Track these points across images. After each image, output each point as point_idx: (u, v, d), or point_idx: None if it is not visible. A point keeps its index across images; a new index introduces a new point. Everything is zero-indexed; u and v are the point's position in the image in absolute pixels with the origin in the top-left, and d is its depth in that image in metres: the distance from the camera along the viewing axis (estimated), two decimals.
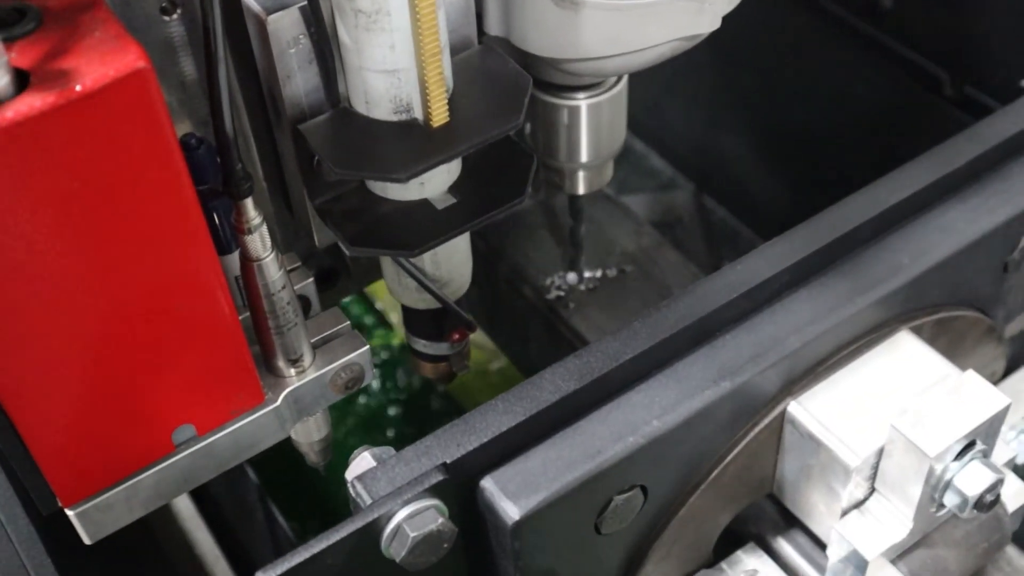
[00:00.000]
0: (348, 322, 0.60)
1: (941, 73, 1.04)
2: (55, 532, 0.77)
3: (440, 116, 0.53)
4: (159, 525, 0.88)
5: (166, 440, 0.53)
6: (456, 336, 0.67)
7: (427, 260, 0.61)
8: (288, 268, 0.59)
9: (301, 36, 0.53)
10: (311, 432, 0.63)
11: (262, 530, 0.89)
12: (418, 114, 0.53)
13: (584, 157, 0.69)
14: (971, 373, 0.57)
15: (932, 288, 0.62)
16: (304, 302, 0.61)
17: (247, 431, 0.56)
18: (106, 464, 0.52)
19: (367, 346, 0.59)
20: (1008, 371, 0.75)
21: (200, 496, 0.90)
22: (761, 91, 1.20)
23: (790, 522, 0.64)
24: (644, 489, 0.56)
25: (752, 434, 0.58)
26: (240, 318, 0.53)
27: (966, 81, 0.99)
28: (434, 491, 0.50)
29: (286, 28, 0.53)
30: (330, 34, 0.53)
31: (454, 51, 0.57)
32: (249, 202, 0.52)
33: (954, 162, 0.63)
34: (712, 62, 1.24)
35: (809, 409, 0.58)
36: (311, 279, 0.61)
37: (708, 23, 0.56)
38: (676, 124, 1.32)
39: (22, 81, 0.40)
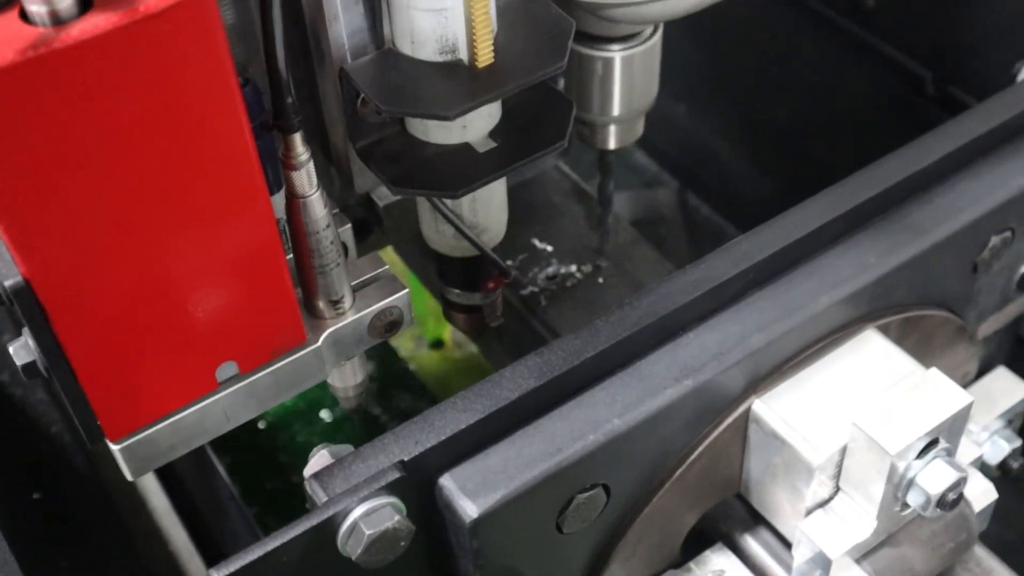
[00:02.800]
0: (387, 266, 0.60)
1: (924, 72, 1.03)
2: (22, 529, 0.77)
3: (486, 57, 0.53)
4: (131, 520, 0.88)
5: (210, 377, 0.54)
6: (491, 284, 0.67)
7: (465, 206, 0.61)
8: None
9: None
10: (348, 376, 0.63)
11: (238, 526, 0.89)
12: (463, 55, 0.53)
13: (616, 110, 0.69)
14: (934, 371, 0.57)
15: (899, 287, 0.62)
16: (343, 248, 0.61)
17: (288, 371, 0.56)
18: (153, 399, 0.53)
19: (406, 290, 0.59)
20: (982, 372, 0.75)
21: (174, 490, 0.90)
22: (746, 88, 1.20)
23: (758, 521, 0.64)
24: (607, 488, 0.55)
25: (716, 432, 0.58)
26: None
27: (949, 81, 0.99)
28: (391, 489, 0.50)
29: None
30: None
31: None
32: (298, 137, 0.52)
33: (922, 161, 0.62)
34: (697, 58, 1.24)
35: (773, 407, 0.58)
36: (349, 224, 0.61)
37: None
38: (661, 121, 1.31)
39: (86, 2, 0.41)
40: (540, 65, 0.54)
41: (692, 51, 1.24)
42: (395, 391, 1.13)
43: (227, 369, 0.54)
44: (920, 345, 0.66)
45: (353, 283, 0.59)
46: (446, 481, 0.52)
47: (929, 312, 0.65)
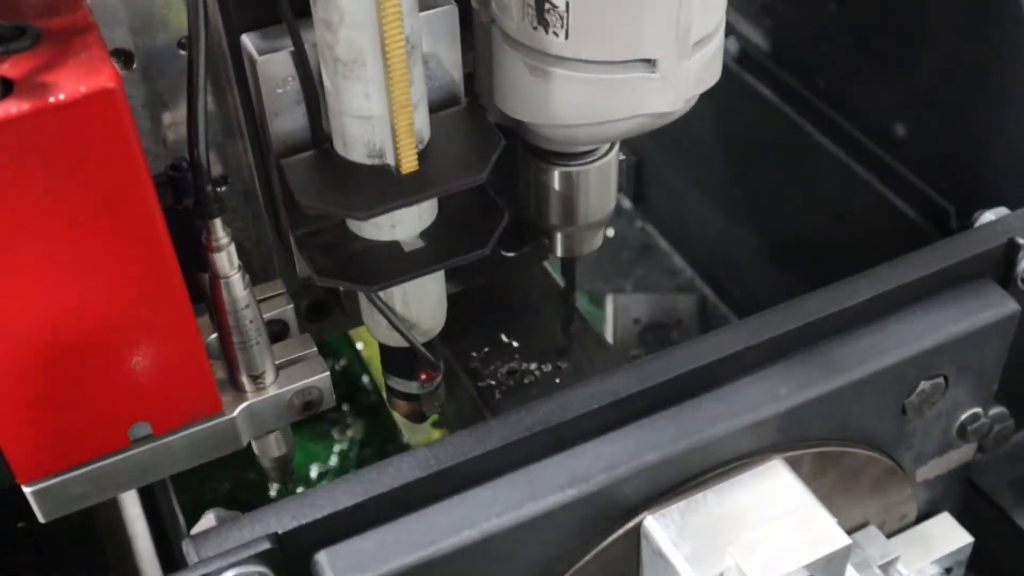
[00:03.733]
0: (315, 348, 0.64)
1: (948, 206, 1.04)
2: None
3: (409, 163, 0.56)
4: (104, 528, 0.93)
5: (122, 434, 0.58)
6: (423, 376, 0.69)
7: (397, 299, 0.64)
8: (272, 294, 0.65)
9: (290, 78, 0.58)
10: (271, 449, 0.67)
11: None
12: (390, 160, 0.57)
13: (572, 221, 0.71)
14: (819, 510, 0.58)
15: (813, 421, 0.62)
16: (281, 326, 0.65)
17: (203, 436, 0.60)
18: (62, 449, 0.57)
19: (327, 372, 0.63)
20: (928, 515, 0.74)
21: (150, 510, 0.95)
22: (775, 205, 1.21)
23: None
24: None
25: (606, 543, 0.59)
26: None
27: (972, 217, 0.99)
28: (263, 559, 0.53)
29: (276, 69, 0.57)
30: (316, 79, 0.57)
31: (440, 106, 0.61)
32: (218, 222, 0.56)
33: (850, 299, 0.63)
34: (732, 172, 1.26)
35: (663, 525, 0.59)
36: (290, 305, 0.65)
37: (669, 103, 0.58)
38: (698, 228, 1.33)
39: (7, 89, 0.46)
40: (460, 176, 0.57)
41: (727, 165, 1.26)
42: None
43: (140, 429, 0.58)
44: (843, 482, 0.66)
45: (280, 360, 0.62)
46: (320, 557, 0.54)
47: (850, 449, 0.65)
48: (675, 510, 0.60)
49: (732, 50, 1.24)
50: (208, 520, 0.55)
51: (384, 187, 0.56)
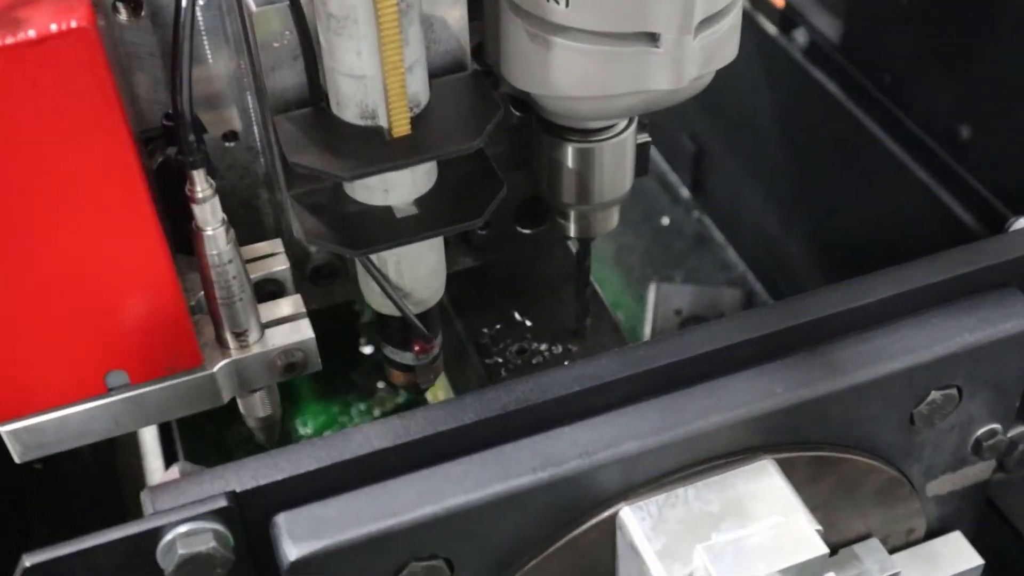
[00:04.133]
0: (304, 310, 0.63)
1: (1008, 213, 0.99)
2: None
3: (401, 127, 0.55)
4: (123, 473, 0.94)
5: (98, 381, 0.58)
6: (417, 348, 0.68)
7: (390, 267, 0.63)
8: (268, 253, 0.64)
9: (287, 32, 0.57)
10: (256, 408, 0.66)
11: None
12: (383, 122, 0.55)
13: (586, 200, 0.69)
14: (802, 515, 0.55)
15: (810, 423, 0.60)
16: (276, 286, 0.64)
17: (181, 390, 0.60)
18: (37, 391, 0.57)
19: (312, 335, 0.62)
20: (939, 532, 0.71)
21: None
22: (829, 203, 1.17)
23: None
24: (450, 563, 0.56)
25: (579, 531, 0.58)
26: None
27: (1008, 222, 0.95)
28: (218, 516, 0.52)
29: (272, 22, 0.56)
30: (314, 35, 0.56)
31: (444, 71, 0.59)
32: (199, 174, 0.55)
33: (858, 299, 0.60)
34: (788, 169, 1.22)
35: (639, 518, 0.57)
36: (286, 266, 0.64)
37: (672, 81, 0.56)
38: (753, 224, 1.30)
39: None
40: (452, 143, 0.56)
41: (786, 159, 1.23)
42: None
43: (117, 377, 0.57)
44: (841, 489, 0.63)
45: (267, 320, 0.62)
46: (280, 519, 0.54)
47: (849, 456, 0.62)
48: (653, 503, 0.58)
49: (801, 42, 1.20)
50: (172, 472, 0.55)
51: (373, 149, 0.55)
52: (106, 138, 0.49)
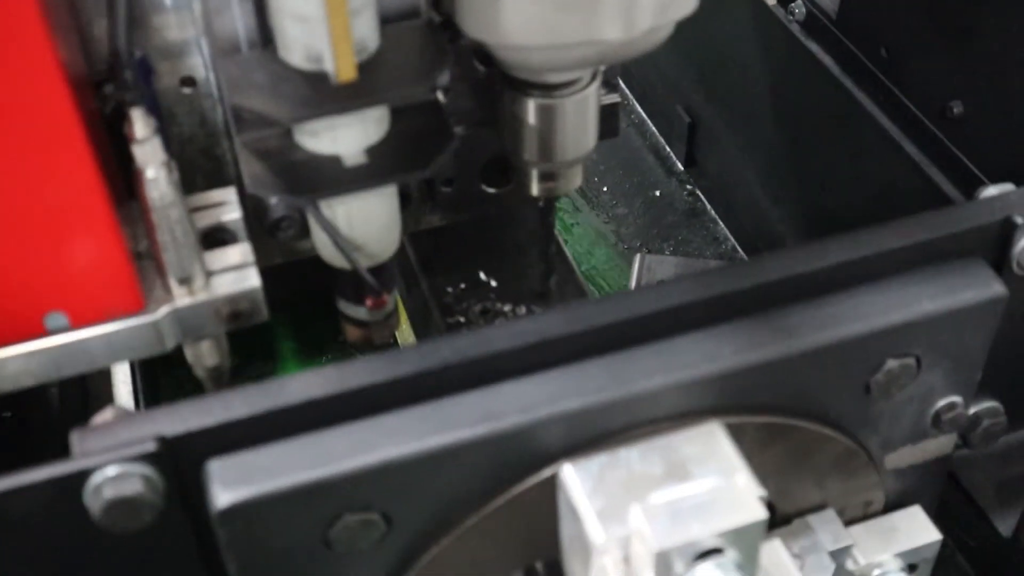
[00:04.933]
0: (252, 259, 0.62)
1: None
2: None
3: (346, 71, 0.54)
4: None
5: (37, 322, 0.57)
6: (369, 303, 0.67)
7: (340, 218, 0.62)
8: (220, 201, 0.63)
9: None
10: (203, 357, 0.66)
11: None
12: (329, 66, 0.54)
13: (547, 157, 0.67)
14: (746, 480, 0.54)
15: (759, 389, 0.59)
16: (228, 235, 0.63)
17: (123, 335, 0.60)
18: None
19: (258, 284, 0.61)
20: (899, 506, 0.70)
21: None
22: (819, 180, 1.16)
23: None
24: (387, 517, 0.55)
25: (521, 488, 0.57)
26: None
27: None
28: (149, 461, 0.51)
29: None
30: None
31: (395, 17, 0.58)
32: (138, 112, 0.55)
33: (813, 263, 0.59)
34: (779, 146, 1.21)
35: (580, 477, 0.56)
36: (238, 215, 0.64)
37: (621, 30, 0.55)
38: (744, 200, 1.29)
39: None
40: (398, 88, 0.55)
41: (779, 132, 1.21)
42: None
43: (56, 319, 0.57)
44: (794, 457, 0.62)
45: (215, 268, 0.61)
46: (212, 466, 0.53)
47: (802, 424, 0.61)
48: (595, 463, 0.56)
49: (798, 14, 1.18)
50: (106, 415, 0.54)
51: (318, 93, 0.54)
52: (39, 77, 0.48)
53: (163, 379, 1.10)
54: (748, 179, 1.27)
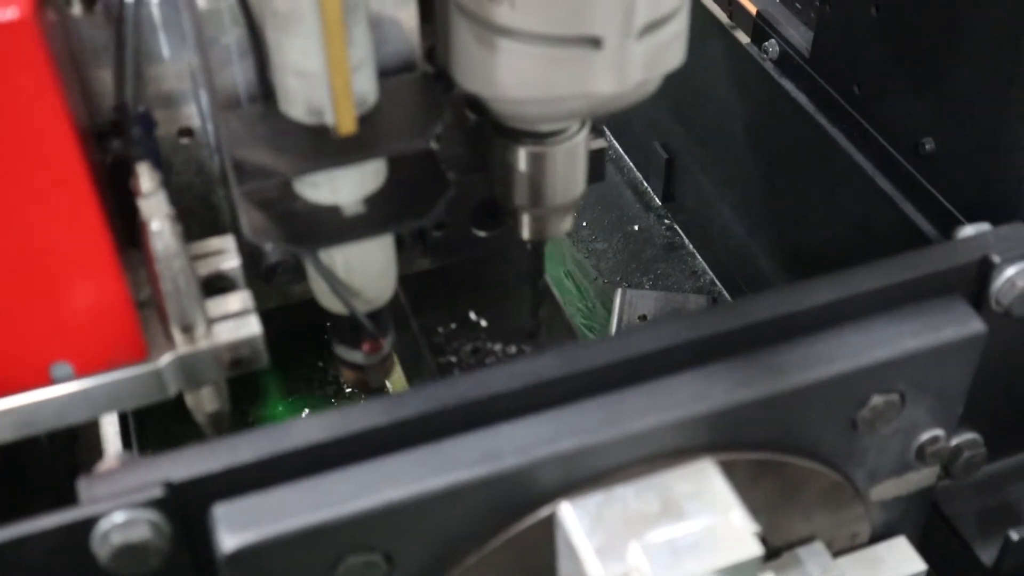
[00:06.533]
0: (252, 306, 0.63)
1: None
2: None
3: (347, 125, 0.55)
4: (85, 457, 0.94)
5: (43, 373, 0.58)
6: (367, 347, 0.69)
7: (339, 265, 0.63)
8: (219, 250, 0.65)
9: (235, 29, 0.57)
10: (203, 402, 0.66)
11: None
12: (329, 119, 0.56)
13: (536, 202, 0.69)
14: (741, 516, 0.56)
15: (751, 426, 0.60)
16: (227, 282, 0.64)
17: (126, 384, 0.60)
18: None
19: (259, 332, 0.62)
20: (884, 536, 0.71)
21: None
22: (795, 214, 1.18)
23: None
24: (389, 558, 0.56)
25: (520, 528, 0.58)
26: None
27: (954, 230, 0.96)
28: (156, 506, 0.52)
29: (220, 19, 0.57)
30: (261, 32, 0.56)
31: (393, 71, 0.60)
32: (144, 167, 0.56)
33: (800, 303, 0.61)
34: (755, 179, 1.23)
35: (578, 515, 0.57)
36: (237, 263, 0.65)
37: (613, 84, 0.56)
38: (721, 233, 1.31)
39: None
40: (399, 140, 0.56)
41: (755, 169, 1.24)
42: None
43: (61, 369, 0.58)
44: (783, 493, 0.64)
45: (215, 315, 0.62)
46: (218, 510, 0.54)
47: (792, 460, 0.63)
48: (592, 501, 0.58)
49: (772, 52, 1.21)
50: (112, 461, 0.55)
51: (319, 146, 0.56)
52: (48, 131, 0.49)
53: (148, 420, 1.10)
54: (725, 214, 1.29)
